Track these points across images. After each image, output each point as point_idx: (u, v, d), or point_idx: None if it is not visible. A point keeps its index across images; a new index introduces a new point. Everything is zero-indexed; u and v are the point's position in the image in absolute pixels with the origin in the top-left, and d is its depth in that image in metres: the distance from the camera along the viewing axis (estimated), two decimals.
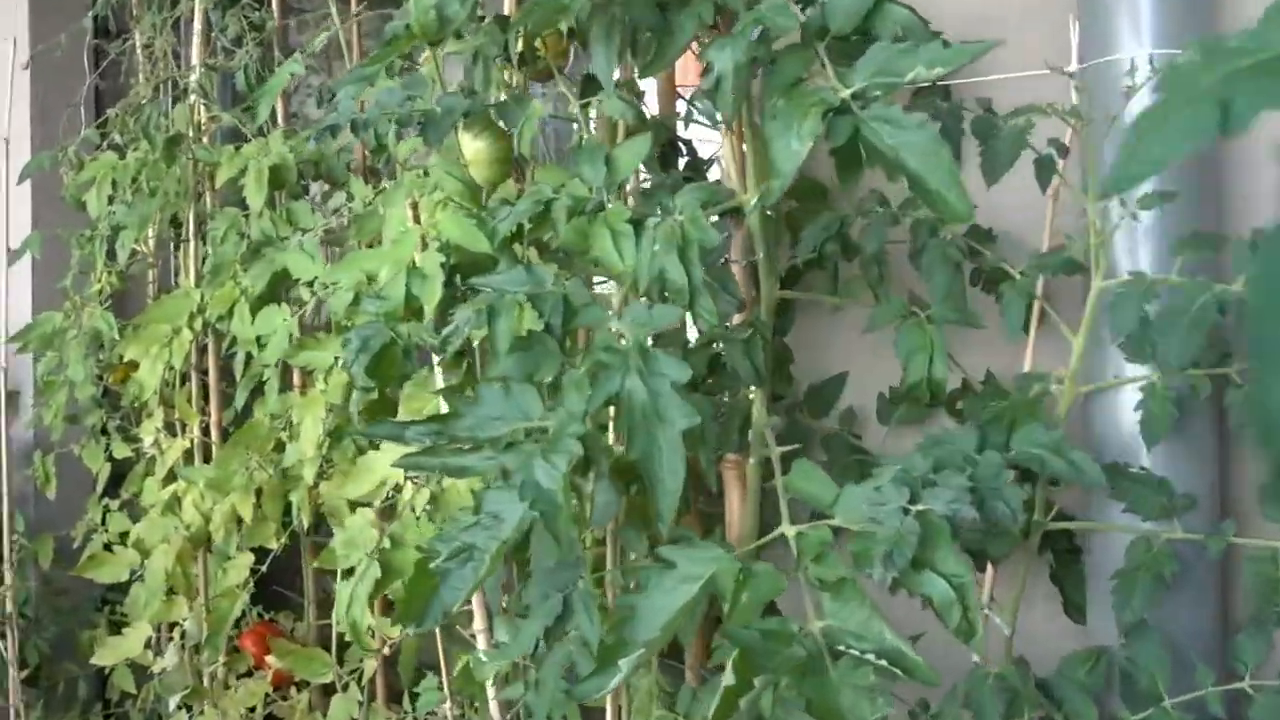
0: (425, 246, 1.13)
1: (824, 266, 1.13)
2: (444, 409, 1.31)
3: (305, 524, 1.89)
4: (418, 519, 1.27)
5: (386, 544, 1.26)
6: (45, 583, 2.42)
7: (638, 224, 0.99)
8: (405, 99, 1.12)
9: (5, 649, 2.34)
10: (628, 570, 1.10)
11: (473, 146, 1.25)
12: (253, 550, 1.93)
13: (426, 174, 1.20)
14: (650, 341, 0.93)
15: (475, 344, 1.11)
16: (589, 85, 1.22)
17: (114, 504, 2.16)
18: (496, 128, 1.29)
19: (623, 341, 0.93)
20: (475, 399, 0.99)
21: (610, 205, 1.02)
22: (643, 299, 0.95)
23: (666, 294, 0.92)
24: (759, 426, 1.08)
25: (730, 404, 1.17)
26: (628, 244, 0.98)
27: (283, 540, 1.91)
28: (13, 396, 2.46)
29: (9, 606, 2.30)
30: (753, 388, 1.09)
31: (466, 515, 1.05)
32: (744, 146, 1.10)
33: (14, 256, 2.24)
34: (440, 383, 1.29)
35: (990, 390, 1.07)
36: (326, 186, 1.90)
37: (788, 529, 0.93)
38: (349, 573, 1.33)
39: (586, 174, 1.04)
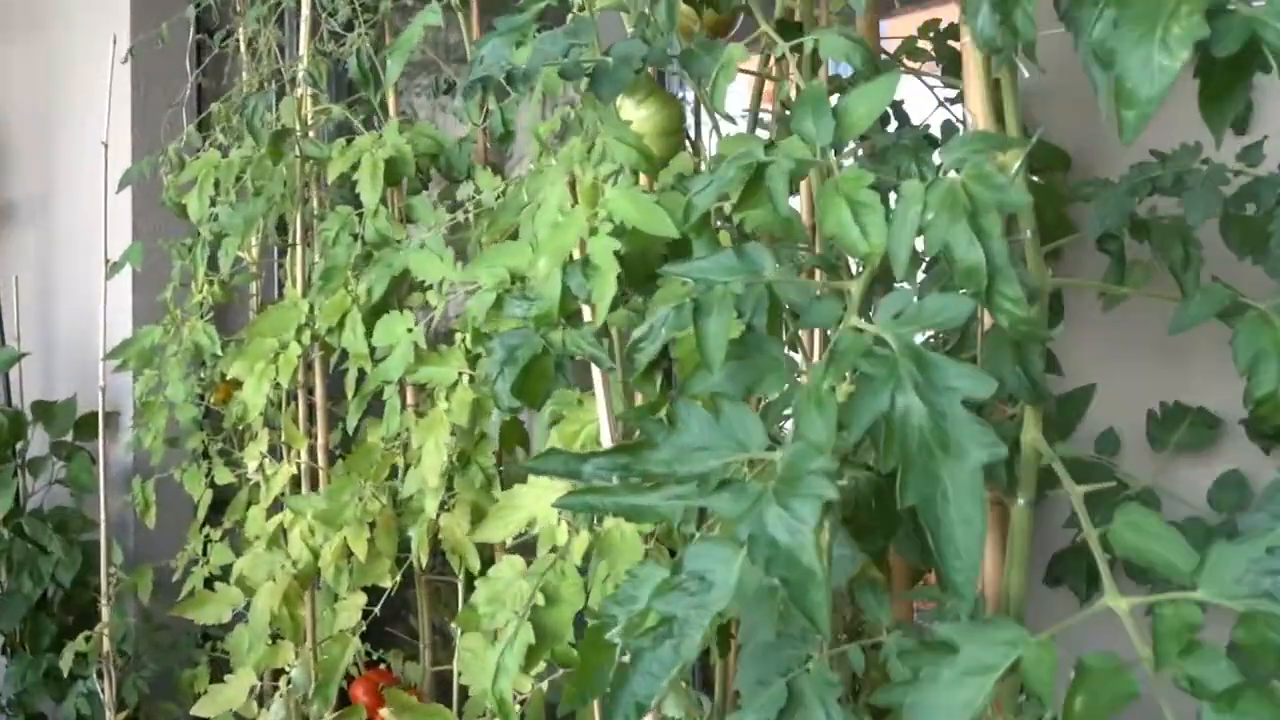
0: (594, 232, 0.90)
1: (1107, 248, 0.87)
2: (606, 436, 1.08)
3: (423, 562, 1.68)
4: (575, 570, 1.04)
5: (540, 600, 1.03)
6: (144, 618, 2.25)
7: (883, 191, 0.75)
8: (569, 47, 0.89)
9: (103, 689, 2.18)
10: (885, 650, 0.85)
11: (635, 115, 1.02)
12: (364, 589, 1.73)
13: (590, 147, 0.97)
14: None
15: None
16: (788, 29, 0.98)
17: (215, 533, 1.98)
18: (663, 93, 1.06)
19: (882, 346, 0.68)
20: (675, 424, 0.76)
21: (844, 169, 0.77)
22: (903, 286, 0.71)
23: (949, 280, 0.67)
24: (1032, 454, 0.82)
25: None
26: (873, 217, 0.74)
27: (396, 579, 1.71)
28: (111, 417, 2.30)
29: (106, 645, 2.13)
30: (1021, 404, 0.84)
31: (649, 572, 0.83)
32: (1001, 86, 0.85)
33: (113, 269, 2.08)
34: (602, 403, 1.06)
35: None
36: (445, 183, 1.70)
37: (1118, 601, 0.68)
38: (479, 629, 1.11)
39: (808, 129, 0.80)
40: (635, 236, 0.90)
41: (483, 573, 1.12)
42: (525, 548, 1.19)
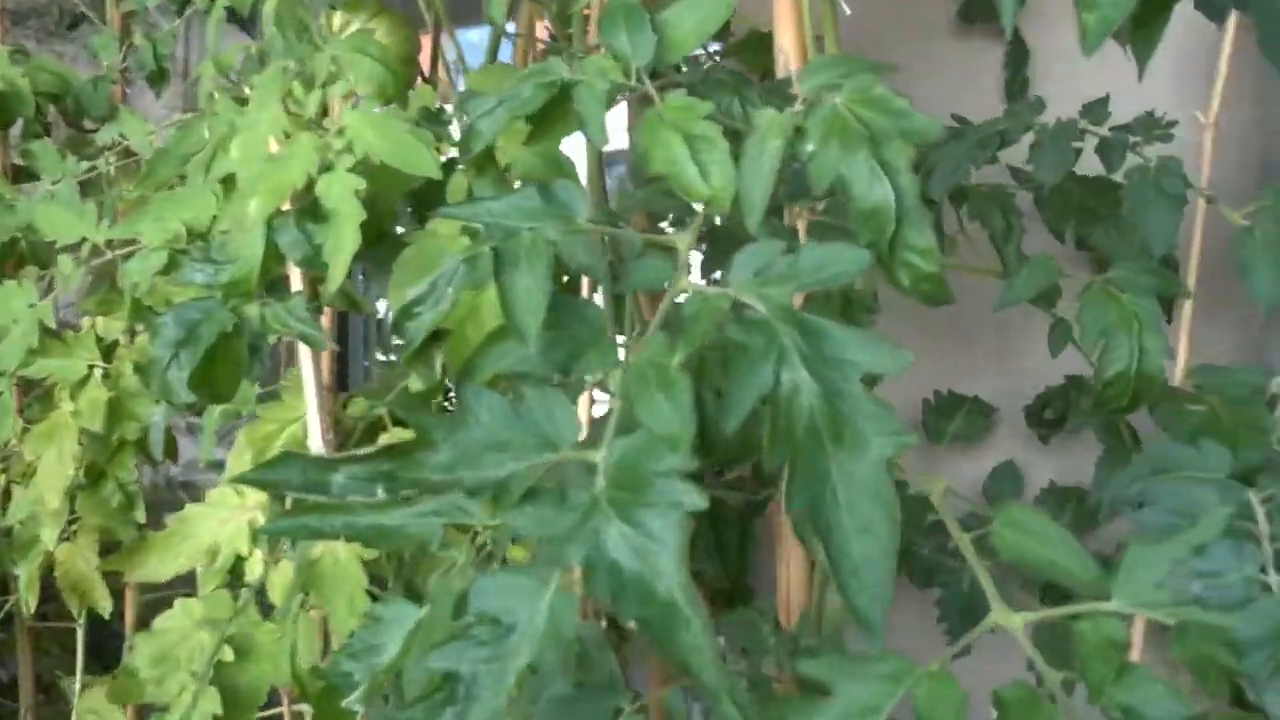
0: (328, 168, 0.68)
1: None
2: (315, 438, 0.86)
3: (31, 606, 1.33)
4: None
5: (227, 655, 0.79)
6: None
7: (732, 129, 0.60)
8: None
9: None
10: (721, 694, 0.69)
11: None
12: None
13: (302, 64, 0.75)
14: None
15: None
16: None
17: None
18: (394, 12, 0.86)
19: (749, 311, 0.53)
20: (460, 417, 0.57)
21: (671, 97, 0.62)
22: (760, 243, 0.56)
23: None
24: None
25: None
26: (714, 154, 0.59)
27: None
28: None
29: None
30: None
31: (396, 612, 0.65)
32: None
33: None
34: (312, 395, 0.83)
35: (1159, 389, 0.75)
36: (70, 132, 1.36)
37: (1009, 618, 0.57)
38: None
39: (620, 45, 0.64)
40: (379, 176, 0.69)
41: (144, 623, 0.86)
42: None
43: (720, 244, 0.85)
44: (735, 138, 0.60)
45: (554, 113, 0.63)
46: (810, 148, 0.54)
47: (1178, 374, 0.80)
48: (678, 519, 0.50)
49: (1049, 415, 0.91)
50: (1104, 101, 0.78)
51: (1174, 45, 0.94)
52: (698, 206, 0.59)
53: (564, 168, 0.78)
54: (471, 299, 0.65)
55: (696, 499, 0.51)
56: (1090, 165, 0.81)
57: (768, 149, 0.57)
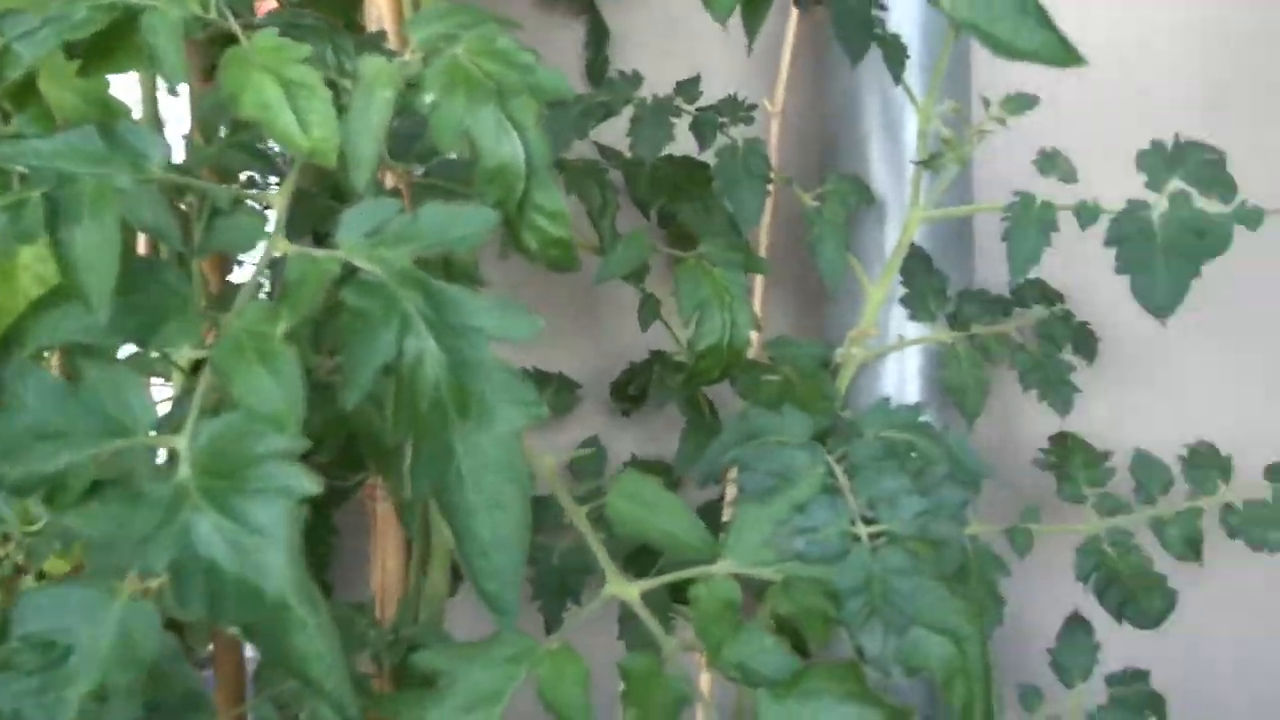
0: None
1: None
2: None
3: None
4: None
5: None
6: None
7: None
8: None
9: None
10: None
11: None
12: None
13: None
14: None
15: None
16: None
17: None
18: None
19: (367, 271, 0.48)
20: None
21: (260, 36, 0.55)
22: (370, 202, 0.51)
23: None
24: None
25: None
26: (315, 102, 0.53)
27: None
28: None
29: None
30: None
31: None
32: None
33: None
34: None
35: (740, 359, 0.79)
36: None
37: (624, 588, 0.57)
38: None
39: None
40: None
41: None
42: None
43: (302, 205, 0.78)
44: (332, 89, 0.55)
45: (114, 43, 0.54)
46: (430, 99, 0.50)
47: (755, 346, 0.85)
48: (286, 508, 0.45)
49: (633, 390, 0.93)
50: (695, 81, 0.81)
51: (729, 36, 1.00)
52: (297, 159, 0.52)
53: (115, 111, 0.68)
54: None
55: (306, 484, 0.45)
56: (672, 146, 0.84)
57: (376, 100, 0.52)
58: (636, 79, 0.81)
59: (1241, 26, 1.02)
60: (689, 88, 0.80)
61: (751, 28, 0.56)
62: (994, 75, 0.82)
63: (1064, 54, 0.52)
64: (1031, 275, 0.89)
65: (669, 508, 0.59)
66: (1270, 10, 1.03)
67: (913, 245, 0.85)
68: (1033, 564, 0.84)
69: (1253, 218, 0.67)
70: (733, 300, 0.72)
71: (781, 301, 0.96)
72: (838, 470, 0.65)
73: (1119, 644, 0.84)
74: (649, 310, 0.82)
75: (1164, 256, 0.64)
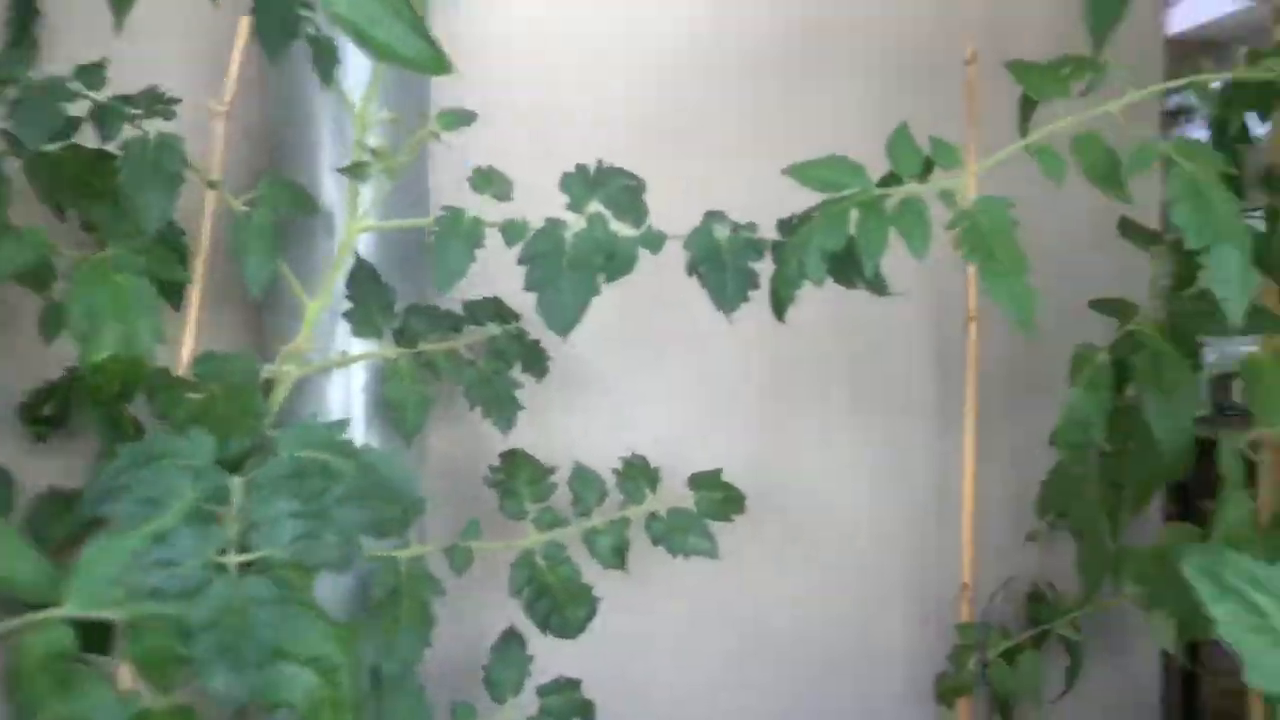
0: None
1: None
2: None
3: None
4: None
5: None
6: None
7: None
8: None
9: None
10: None
11: None
12: None
13: None
14: None
15: None
16: None
17: None
18: None
19: None
20: None
21: None
22: None
23: None
24: None
25: None
26: None
27: None
28: None
29: None
30: None
31: None
32: None
33: None
34: None
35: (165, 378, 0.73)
36: None
37: None
38: None
39: None
40: None
41: None
42: None
43: None
44: None
45: None
46: None
47: (183, 362, 0.78)
48: None
49: (47, 412, 0.82)
50: (100, 65, 0.73)
51: (188, 30, 0.93)
52: None
53: None
54: None
55: None
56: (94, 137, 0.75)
57: None
58: (29, 54, 0.72)
59: (678, 60, 1.10)
60: (92, 73, 0.71)
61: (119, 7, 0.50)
62: (459, 92, 0.81)
63: (437, 62, 0.51)
64: (489, 293, 0.90)
65: (7, 546, 0.51)
66: (706, 49, 1.12)
67: (360, 259, 0.82)
68: (475, 581, 0.84)
69: (656, 241, 0.71)
70: (132, 309, 0.65)
71: (227, 314, 0.89)
72: (237, 494, 0.60)
73: (569, 653, 0.85)
74: (52, 321, 0.72)
75: (570, 274, 0.66)
